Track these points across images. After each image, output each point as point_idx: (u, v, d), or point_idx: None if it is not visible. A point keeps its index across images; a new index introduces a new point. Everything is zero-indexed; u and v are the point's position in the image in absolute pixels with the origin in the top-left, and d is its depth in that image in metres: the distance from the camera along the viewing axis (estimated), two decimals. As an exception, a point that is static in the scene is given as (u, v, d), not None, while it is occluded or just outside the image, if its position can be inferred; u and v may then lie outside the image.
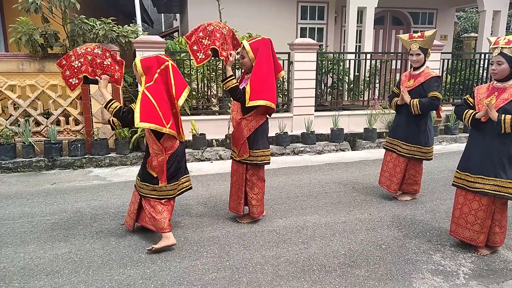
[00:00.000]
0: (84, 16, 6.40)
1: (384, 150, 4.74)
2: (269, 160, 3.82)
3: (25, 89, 6.29)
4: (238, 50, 3.84)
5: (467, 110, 3.33)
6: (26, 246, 3.52)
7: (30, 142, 6.09)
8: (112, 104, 3.39)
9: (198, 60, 3.52)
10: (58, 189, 5.17)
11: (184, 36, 3.65)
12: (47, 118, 6.45)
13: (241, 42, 3.69)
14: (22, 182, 5.45)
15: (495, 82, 3.22)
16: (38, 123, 6.44)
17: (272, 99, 3.59)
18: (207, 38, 3.48)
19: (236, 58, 4.18)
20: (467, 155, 3.36)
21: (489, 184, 3.18)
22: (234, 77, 3.61)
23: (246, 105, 3.54)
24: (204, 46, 3.48)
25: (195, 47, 3.50)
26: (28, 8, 5.95)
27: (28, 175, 5.80)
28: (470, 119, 3.27)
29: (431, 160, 4.51)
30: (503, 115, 3.02)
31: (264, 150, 3.77)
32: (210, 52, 3.51)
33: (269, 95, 3.56)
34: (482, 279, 3.01)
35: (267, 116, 3.85)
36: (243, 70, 3.96)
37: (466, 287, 2.91)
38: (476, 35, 11.15)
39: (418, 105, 4.18)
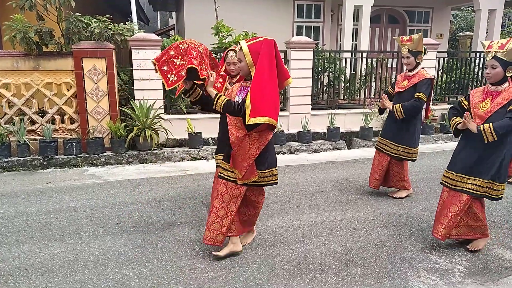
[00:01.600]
0: (79, 14, 6.36)
1: (375, 149, 4.81)
2: (277, 179, 3.29)
3: (19, 87, 6.23)
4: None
5: (453, 117, 3.42)
6: (21, 246, 3.50)
7: (25, 141, 6.05)
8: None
9: (169, 82, 2.95)
10: (53, 188, 5.14)
11: (152, 60, 3.04)
12: (42, 117, 6.41)
13: (238, 42, 3.09)
14: (17, 181, 5.41)
15: (490, 85, 3.24)
16: (33, 122, 6.40)
17: (275, 115, 2.94)
18: (180, 57, 2.93)
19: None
20: (454, 154, 3.46)
21: (468, 183, 3.27)
22: (220, 93, 3.04)
23: (246, 123, 2.90)
24: (176, 66, 2.94)
25: (165, 68, 2.95)
26: (23, 5, 5.90)
27: (23, 174, 5.76)
28: (453, 128, 3.38)
29: (415, 161, 4.62)
30: (481, 126, 3.09)
31: (273, 169, 3.23)
32: (183, 73, 2.90)
33: (271, 110, 2.91)
34: (478, 277, 3.03)
35: None
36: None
37: (462, 285, 2.93)
38: (472, 34, 11.19)
39: (401, 110, 4.30)
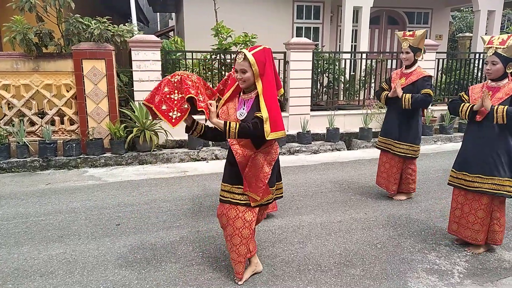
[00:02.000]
0: (79, 15, 6.37)
1: (379, 150, 4.76)
2: (282, 193, 3.22)
3: (19, 89, 6.24)
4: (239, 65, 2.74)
5: (463, 103, 3.32)
6: (20, 247, 3.50)
7: (24, 142, 6.05)
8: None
9: (173, 121, 2.60)
10: (52, 189, 5.14)
11: (143, 102, 2.75)
12: (42, 118, 6.41)
13: (241, 51, 2.71)
14: (17, 183, 5.41)
15: (489, 81, 3.23)
16: (32, 123, 6.40)
17: (284, 126, 2.79)
18: (176, 91, 2.62)
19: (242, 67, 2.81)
20: (463, 154, 3.38)
21: (487, 183, 3.21)
22: (228, 121, 2.67)
23: (267, 138, 2.63)
24: (175, 101, 2.62)
25: (163, 107, 2.61)
26: (23, 7, 5.91)
27: (22, 175, 5.76)
28: (467, 111, 3.24)
29: (417, 157, 4.56)
30: (496, 105, 3.07)
31: (278, 182, 3.11)
32: (187, 106, 2.61)
33: (282, 122, 2.76)
34: (477, 278, 3.02)
35: None
36: (224, 88, 3.10)
37: (461, 286, 2.92)
38: (471, 35, 11.20)
39: (410, 100, 4.21)
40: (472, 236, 3.37)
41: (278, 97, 2.86)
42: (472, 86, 3.43)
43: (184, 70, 7.22)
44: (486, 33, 10.04)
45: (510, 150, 3.15)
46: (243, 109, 2.78)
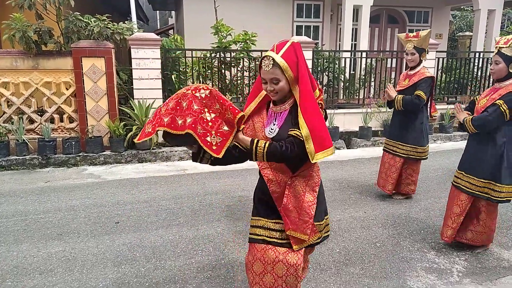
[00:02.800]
0: (78, 13, 6.35)
1: (383, 151, 4.75)
2: (329, 230, 2.39)
3: (18, 86, 6.23)
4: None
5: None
6: (19, 245, 3.49)
7: (23, 140, 6.04)
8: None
9: (214, 148, 1.97)
10: (52, 187, 5.13)
11: (165, 128, 1.95)
12: (41, 116, 6.40)
13: (267, 56, 2.04)
14: (16, 180, 5.41)
15: (496, 82, 3.23)
16: (32, 121, 6.39)
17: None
18: (206, 110, 1.98)
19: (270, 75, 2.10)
20: (463, 155, 3.42)
21: (464, 181, 3.28)
22: (256, 139, 2.07)
23: (312, 161, 2.03)
24: (209, 122, 1.96)
25: (199, 129, 1.94)
26: (22, 4, 5.90)
27: (21, 173, 5.75)
28: (459, 125, 3.45)
29: (426, 159, 4.53)
30: (465, 118, 3.21)
31: (326, 217, 2.33)
32: (228, 129, 2.03)
33: (329, 137, 2.10)
34: (476, 277, 3.03)
35: None
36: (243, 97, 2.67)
37: (460, 285, 2.93)
38: (471, 34, 11.19)
39: (401, 101, 4.26)
40: (441, 230, 3.43)
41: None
42: (484, 91, 3.48)
43: (183, 68, 7.22)
44: (486, 32, 10.04)
45: (493, 153, 3.13)
46: (274, 124, 2.14)
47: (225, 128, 2.01)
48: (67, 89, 6.40)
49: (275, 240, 2.16)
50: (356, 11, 9.14)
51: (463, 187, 3.28)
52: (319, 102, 2.16)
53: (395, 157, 4.51)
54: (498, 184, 3.12)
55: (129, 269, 3.10)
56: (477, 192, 3.21)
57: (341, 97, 8.55)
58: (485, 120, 3.07)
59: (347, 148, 7.58)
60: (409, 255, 3.35)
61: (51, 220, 4.04)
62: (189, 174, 5.76)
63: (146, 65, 6.63)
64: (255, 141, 2.05)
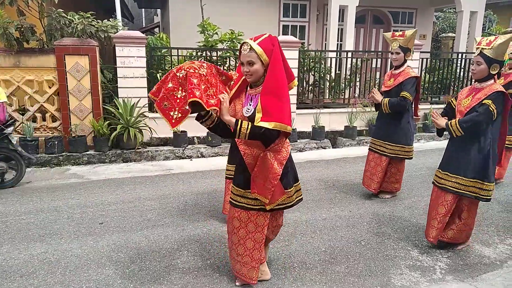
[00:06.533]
0: (62, 10, 6.24)
1: (368, 150, 4.79)
2: (302, 195, 2.88)
3: (-1, 85, 6.10)
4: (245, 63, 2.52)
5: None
6: (-1, 247, 3.42)
7: (4, 139, 5.90)
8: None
9: (173, 121, 2.38)
10: (34, 187, 5.03)
11: (149, 94, 2.52)
12: (23, 115, 6.27)
13: (245, 42, 2.49)
14: (-4, 181, 5.28)
15: (476, 83, 3.29)
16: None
17: (290, 121, 2.47)
18: (181, 88, 2.37)
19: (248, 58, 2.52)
20: (446, 155, 3.46)
21: (450, 181, 3.30)
22: (240, 120, 2.45)
23: (254, 124, 2.41)
24: (178, 100, 2.37)
25: (165, 104, 2.38)
26: (3, 0, 5.76)
27: (2, 173, 5.62)
28: (437, 132, 3.52)
29: (411, 158, 4.59)
30: (449, 121, 3.23)
31: (296, 184, 2.79)
32: (188, 108, 2.35)
33: (285, 116, 2.45)
34: (458, 274, 3.08)
35: None
36: (231, 83, 2.87)
37: (443, 282, 2.98)
38: (454, 35, 11.39)
39: (387, 105, 4.32)
40: (426, 231, 3.45)
41: (289, 89, 2.58)
42: (462, 89, 3.51)
43: (169, 66, 7.16)
44: (468, 34, 10.22)
45: (480, 152, 3.18)
46: (250, 105, 2.55)
47: (187, 107, 2.34)
48: (50, 87, 6.28)
49: (250, 206, 2.67)
50: (342, 11, 9.20)
51: (450, 188, 3.28)
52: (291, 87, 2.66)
53: (382, 156, 4.55)
54: (486, 183, 3.17)
55: (113, 271, 3.06)
56: (466, 192, 3.23)
57: (327, 97, 8.60)
58: (475, 121, 3.09)
59: (333, 148, 7.63)
60: (393, 253, 3.39)
61: (33, 221, 3.96)
62: (175, 174, 5.72)
63: (131, 64, 6.55)
64: (239, 122, 2.42)
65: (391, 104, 4.30)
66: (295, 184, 2.76)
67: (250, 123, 2.42)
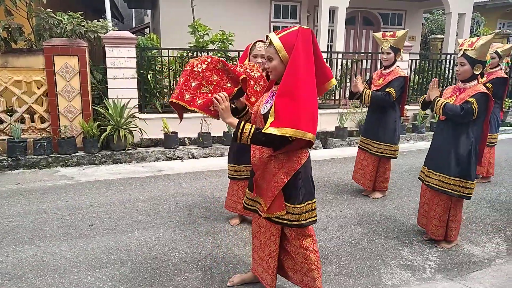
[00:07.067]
0: (50, 10, 6.17)
1: (358, 148, 4.85)
2: (316, 216, 2.48)
3: (-14, 85, 6.01)
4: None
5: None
6: (-13, 250, 3.36)
7: (-8, 141, 5.82)
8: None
9: (212, 111, 2.43)
10: (22, 189, 4.97)
11: (171, 100, 2.47)
12: (11, 116, 6.19)
13: (268, 35, 2.28)
14: (-16, 183, 5.20)
15: (460, 83, 3.36)
16: (0, 121, 6.16)
17: (310, 127, 2.16)
18: (204, 82, 2.42)
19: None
20: (429, 150, 3.57)
21: (434, 179, 3.39)
22: (242, 123, 2.27)
23: (263, 131, 2.16)
24: (208, 94, 2.42)
25: (199, 102, 2.42)
26: (-10, 0, 5.69)
27: (-10, 175, 5.54)
28: (421, 102, 3.62)
29: (396, 158, 4.65)
30: (439, 99, 3.34)
31: (310, 202, 2.42)
32: (230, 85, 2.44)
33: (303, 121, 2.13)
34: (447, 273, 3.12)
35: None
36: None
37: (432, 281, 3.01)
38: (443, 36, 11.53)
39: (369, 97, 4.35)
40: (432, 231, 3.52)
41: (324, 91, 2.44)
42: (446, 88, 3.61)
43: (159, 67, 7.12)
44: (457, 35, 10.36)
45: (464, 150, 3.25)
46: (270, 102, 2.32)
47: (228, 85, 2.40)
48: (38, 88, 6.20)
49: (263, 217, 2.48)
50: (332, 12, 9.26)
51: (434, 186, 3.39)
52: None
53: (372, 155, 4.61)
54: (469, 181, 3.26)
55: (103, 273, 3.03)
56: (449, 190, 3.31)
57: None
58: (457, 113, 3.18)
59: (324, 148, 7.67)
60: (383, 253, 3.42)
61: (22, 223, 3.91)
62: (165, 175, 5.69)
63: (121, 64, 6.51)
64: (241, 124, 2.25)
65: (375, 96, 4.34)
66: (308, 202, 2.39)
67: (253, 126, 2.24)
